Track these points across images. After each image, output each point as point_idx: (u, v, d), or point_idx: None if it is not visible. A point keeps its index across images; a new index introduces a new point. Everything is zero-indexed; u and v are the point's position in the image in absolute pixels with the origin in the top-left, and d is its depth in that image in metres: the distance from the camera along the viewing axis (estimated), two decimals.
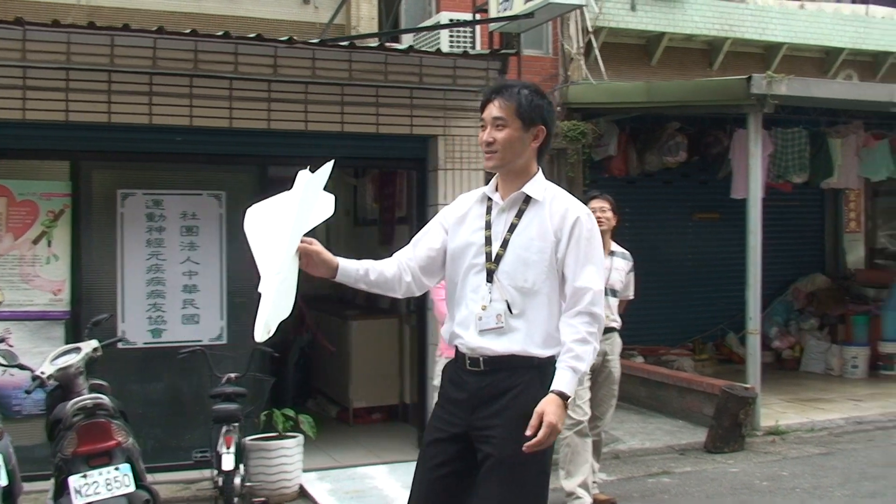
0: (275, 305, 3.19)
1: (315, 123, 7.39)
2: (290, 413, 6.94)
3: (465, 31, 9.83)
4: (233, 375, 6.10)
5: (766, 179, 10.15)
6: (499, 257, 3.38)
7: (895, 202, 14.95)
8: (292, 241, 3.30)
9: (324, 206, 3.53)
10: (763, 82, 8.67)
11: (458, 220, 3.53)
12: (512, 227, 3.40)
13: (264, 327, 3.15)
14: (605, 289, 6.36)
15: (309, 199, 3.46)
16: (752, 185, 9.03)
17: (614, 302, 6.54)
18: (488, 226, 3.44)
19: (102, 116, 6.80)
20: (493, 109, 3.39)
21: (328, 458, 7.70)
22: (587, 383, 6.34)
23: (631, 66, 11.74)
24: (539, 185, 3.42)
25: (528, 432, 3.11)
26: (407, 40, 10.01)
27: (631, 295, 6.76)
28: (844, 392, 10.59)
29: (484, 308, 3.37)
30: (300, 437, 6.90)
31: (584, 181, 11.15)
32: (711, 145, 11.61)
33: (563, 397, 3.17)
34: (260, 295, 3.19)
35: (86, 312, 6.72)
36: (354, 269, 3.54)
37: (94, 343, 5.53)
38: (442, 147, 7.81)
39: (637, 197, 11.73)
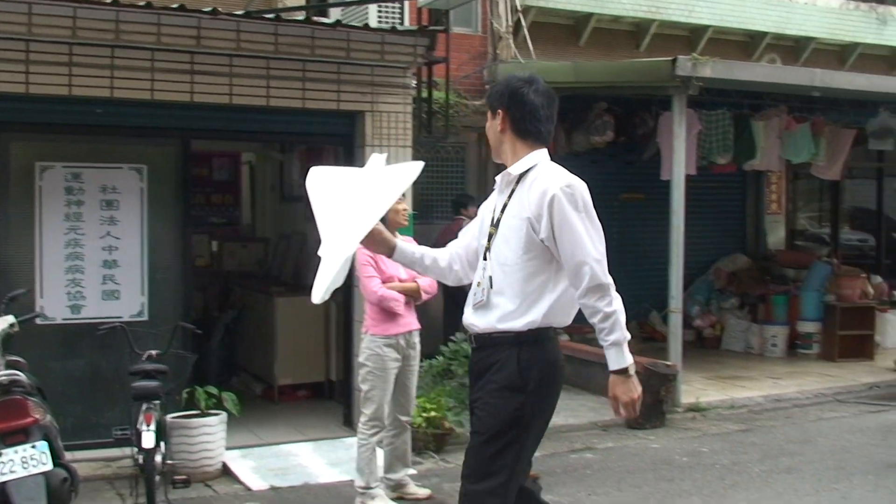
0: (336, 274, 3.43)
1: (240, 97, 7.27)
2: (213, 390, 6.86)
3: (393, 7, 9.75)
4: (154, 352, 5.99)
5: (696, 160, 10.32)
6: (491, 236, 3.59)
7: (815, 185, 15.32)
8: (367, 221, 3.51)
9: (402, 178, 3.77)
10: (688, 64, 8.76)
11: (485, 206, 3.78)
12: (504, 208, 3.58)
13: (324, 292, 3.41)
14: None
15: (382, 182, 3.65)
16: (676, 166, 9.16)
17: None
18: (495, 207, 3.66)
19: (20, 87, 6.59)
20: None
21: (252, 436, 7.64)
22: None
23: (559, 47, 11.77)
24: (522, 164, 3.58)
25: (615, 416, 3.54)
26: (335, 14, 9.89)
27: None
28: (764, 370, 10.83)
29: (479, 284, 3.60)
30: (223, 415, 6.82)
31: None
32: (638, 126, 11.71)
33: (620, 373, 3.44)
34: (320, 259, 3.44)
35: (2, 287, 6.53)
36: (411, 252, 3.84)
37: (10, 319, 5.41)
38: (369, 123, 7.75)
39: None
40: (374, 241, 3.68)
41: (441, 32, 8.08)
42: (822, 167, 12.25)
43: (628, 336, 3.49)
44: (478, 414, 3.54)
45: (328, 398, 8.99)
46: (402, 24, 9.44)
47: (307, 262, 9.71)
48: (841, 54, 13.76)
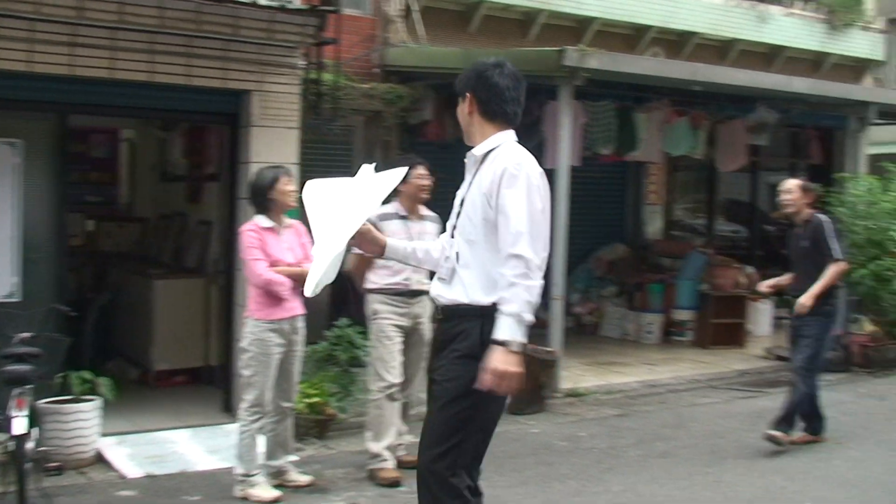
0: (327, 271, 3.66)
1: (121, 71, 7.03)
2: (88, 375, 6.65)
3: None
4: (26, 335, 5.75)
5: (581, 150, 10.50)
6: (458, 214, 3.75)
7: (692, 176, 15.77)
8: (356, 221, 3.71)
9: (387, 182, 3.89)
10: (575, 55, 8.88)
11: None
12: (469, 187, 3.72)
13: (315, 286, 3.66)
14: None
15: (371, 189, 3.83)
16: (562, 155, 9.29)
17: None
18: (463, 188, 3.79)
19: None
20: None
21: (128, 423, 7.42)
22: (399, 346, 6.38)
23: (449, 32, 11.77)
24: (486, 145, 3.71)
25: (482, 383, 3.44)
26: None
27: None
28: (640, 357, 11.11)
29: (447, 259, 3.74)
30: (98, 401, 6.62)
31: (400, 145, 11.15)
32: (524, 115, 11.80)
33: (502, 343, 3.40)
34: (313, 257, 3.79)
35: None
36: (402, 247, 4.02)
37: None
38: (256, 103, 7.61)
39: (451, 162, 11.59)
40: (365, 240, 3.85)
41: (332, 13, 7.96)
42: (723, 160, 12.66)
43: (530, 319, 3.47)
44: (437, 381, 3.66)
45: (207, 384, 8.80)
46: (291, 2, 9.27)
47: (187, 244, 9.50)
48: (722, 50, 14.14)
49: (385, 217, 6.38)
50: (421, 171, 6.49)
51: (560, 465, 6.70)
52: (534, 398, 8.41)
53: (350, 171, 11.45)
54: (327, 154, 10.77)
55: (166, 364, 8.83)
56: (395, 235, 6.28)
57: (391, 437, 6.36)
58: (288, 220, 6.12)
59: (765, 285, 7.83)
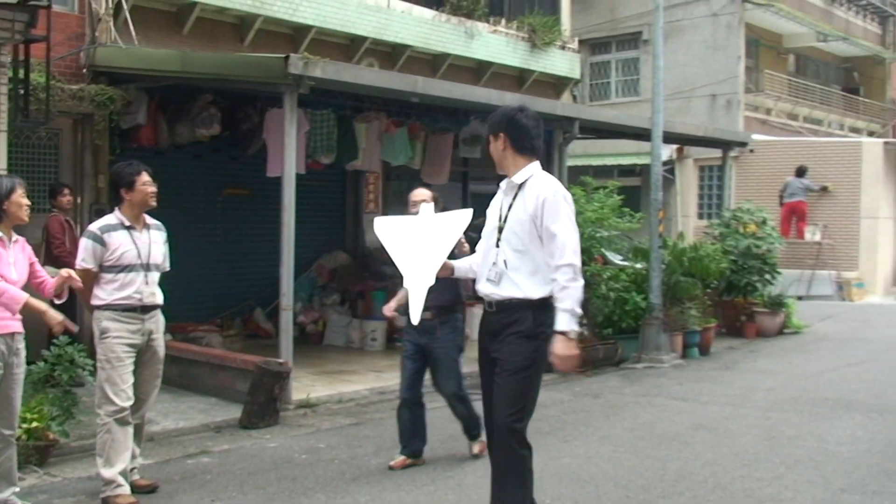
0: (422, 300, 4.81)
1: None
2: None
3: None
4: None
5: (304, 158, 10.40)
6: (501, 229, 4.83)
7: (405, 185, 16.11)
8: (439, 258, 4.93)
9: (458, 223, 5.06)
10: (300, 63, 8.80)
11: (491, 206, 5.01)
12: (509, 207, 4.82)
13: (419, 314, 4.82)
14: (147, 264, 6.09)
15: (441, 226, 5.09)
16: (287, 163, 9.16)
17: (155, 277, 6.23)
18: (501, 206, 4.90)
19: None
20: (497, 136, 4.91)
21: None
22: (129, 367, 6.00)
23: (163, 34, 11.28)
24: (523, 174, 4.83)
25: (557, 366, 4.69)
26: None
27: (167, 266, 6.46)
28: (366, 364, 11.19)
29: (494, 265, 4.83)
30: None
31: (111, 150, 10.55)
32: (243, 121, 11.59)
33: (563, 333, 4.60)
34: (408, 290, 4.88)
35: None
36: (464, 266, 5.21)
37: None
38: None
39: (167, 169, 11.24)
40: (442, 269, 4.98)
41: (44, 9, 7.37)
42: (429, 172, 12.97)
43: (580, 312, 4.63)
44: (501, 359, 4.78)
45: None
46: None
47: None
48: (433, 63, 14.56)
49: (108, 229, 6.01)
50: (146, 178, 6.16)
51: (304, 479, 6.57)
52: (267, 411, 8.22)
53: (58, 175, 10.72)
54: (33, 159, 10.02)
55: None
56: (122, 247, 5.95)
57: (124, 462, 5.96)
58: (16, 236, 5.62)
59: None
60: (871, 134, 27.60)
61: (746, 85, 23.10)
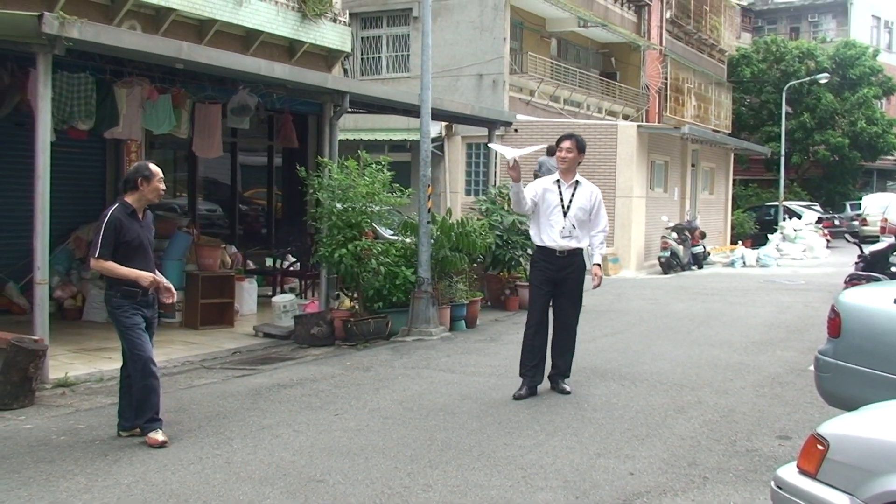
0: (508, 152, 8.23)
1: None
2: None
3: None
4: None
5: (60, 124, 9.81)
6: (568, 208, 8.31)
7: (169, 154, 15.60)
8: (513, 154, 8.12)
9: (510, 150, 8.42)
10: (55, 23, 8.34)
11: (543, 190, 8.40)
12: (572, 196, 8.35)
13: (510, 153, 8.15)
14: None
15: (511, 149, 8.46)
16: (41, 128, 8.66)
17: None
18: (561, 194, 8.35)
19: None
20: (568, 143, 8.39)
21: None
22: None
23: None
24: (579, 177, 8.49)
25: (594, 284, 8.50)
26: None
27: None
28: None
29: (564, 228, 8.26)
30: None
31: None
32: None
33: (599, 265, 8.46)
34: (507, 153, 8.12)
35: None
36: (521, 193, 8.33)
37: None
38: None
39: None
40: (514, 169, 8.10)
41: None
42: (200, 145, 12.54)
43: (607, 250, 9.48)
44: (570, 281, 8.40)
45: None
46: None
47: None
48: (200, 29, 14.07)
49: None
50: None
51: (62, 461, 6.22)
52: (21, 391, 7.75)
53: None
54: None
55: None
56: None
57: None
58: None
59: None
60: (626, 118, 29.25)
61: (511, 66, 23.90)
